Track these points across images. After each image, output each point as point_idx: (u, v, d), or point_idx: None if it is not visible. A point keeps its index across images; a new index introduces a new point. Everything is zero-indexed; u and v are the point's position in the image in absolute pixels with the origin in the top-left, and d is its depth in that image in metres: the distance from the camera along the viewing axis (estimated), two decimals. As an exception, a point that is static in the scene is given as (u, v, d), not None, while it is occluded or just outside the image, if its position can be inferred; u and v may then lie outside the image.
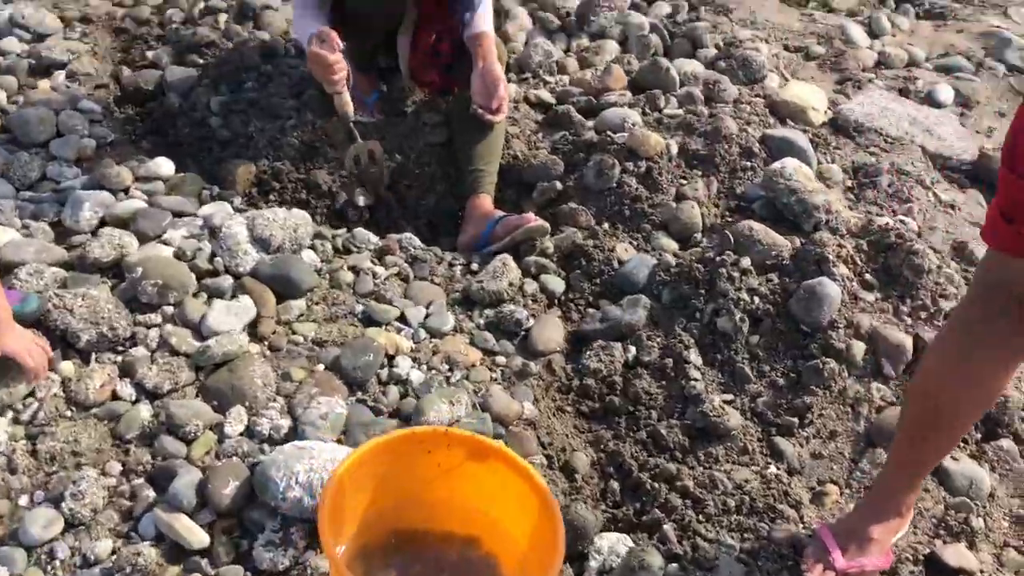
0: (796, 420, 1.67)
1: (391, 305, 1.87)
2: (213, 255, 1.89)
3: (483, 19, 2.27)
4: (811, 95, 2.51)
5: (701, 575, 1.39)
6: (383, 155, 2.20)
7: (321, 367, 1.71)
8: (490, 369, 1.78)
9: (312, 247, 1.99)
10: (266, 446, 1.53)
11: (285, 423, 1.57)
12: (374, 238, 2.07)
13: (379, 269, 1.97)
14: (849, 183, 2.26)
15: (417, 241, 2.07)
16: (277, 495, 1.38)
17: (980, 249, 2.03)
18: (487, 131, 2.23)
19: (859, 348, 1.72)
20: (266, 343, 1.75)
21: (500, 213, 2.09)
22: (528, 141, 2.40)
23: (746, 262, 1.84)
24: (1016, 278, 1.15)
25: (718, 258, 1.86)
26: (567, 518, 1.39)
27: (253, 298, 1.80)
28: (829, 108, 2.54)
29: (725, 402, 1.70)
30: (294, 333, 1.78)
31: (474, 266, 2.02)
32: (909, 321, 1.77)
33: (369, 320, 1.84)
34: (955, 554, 1.47)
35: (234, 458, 1.49)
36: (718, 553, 1.43)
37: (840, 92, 2.73)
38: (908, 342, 1.72)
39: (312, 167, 2.23)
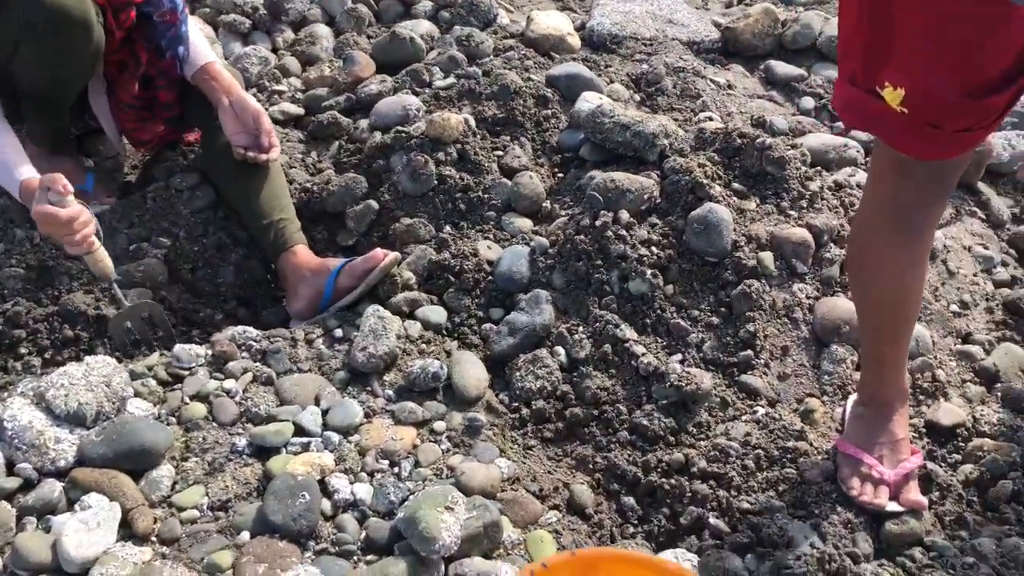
0: (750, 352, 1.65)
1: (277, 421, 1.53)
2: (10, 464, 1.41)
3: (200, 49, 1.89)
4: (560, 22, 2.45)
5: (781, 555, 1.32)
6: (162, 313, 1.76)
7: (246, 536, 1.35)
8: (435, 442, 1.53)
9: (137, 394, 1.56)
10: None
11: (258, 631, 1.22)
12: (198, 348, 1.67)
13: (230, 384, 1.59)
14: (637, 97, 2.25)
15: (253, 331, 1.71)
16: None
17: (780, 121, 2.14)
18: (264, 174, 1.89)
19: (768, 258, 1.73)
20: (155, 540, 1.34)
21: (336, 261, 1.79)
22: (305, 165, 2.08)
23: (625, 216, 1.76)
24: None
25: (598, 222, 1.75)
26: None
27: (104, 492, 1.37)
28: (577, 30, 2.50)
29: (679, 363, 1.63)
30: (182, 510, 1.39)
31: (337, 332, 1.71)
32: (796, 215, 1.81)
33: (261, 451, 1.49)
34: (947, 414, 1.55)
35: None
36: (773, 521, 1.37)
37: (567, 9, 2.71)
38: (807, 234, 1.75)
39: (58, 292, 1.75)
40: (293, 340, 1.70)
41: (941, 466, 1.49)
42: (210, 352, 1.66)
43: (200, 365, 1.64)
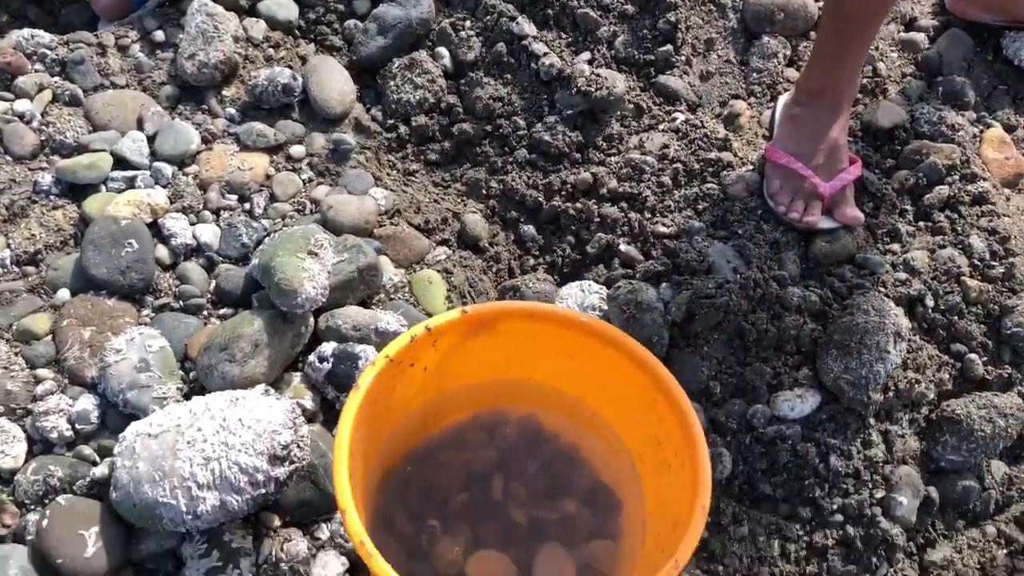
0: (669, 47, 1.40)
1: (90, 151, 1.24)
2: None
3: None
4: None
5: (700, 282, 1.18)
6: None
7: (65, 294, 1.12)
8: (294, 171, 1.28)
9: None
10: (86, 452, 1.01)
11: (90, 407, 1.03)
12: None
13: (23, 106, 1.27)
14: None
15: (46, 35, 1.34)
16: (180, 518, 0.92)
17: None
18: None
19: (694, -72, 1.43)
20: (-53, 308, 1.10)
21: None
22: None
23: None
24: None
25: None
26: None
27: None
28: None
29: (588, 63, 1.37)
30: (-23, 270, 1.14)
31: (158, 35, 1.37)
32: None
33: (74, 190, 1.22)
34: (886, 114, 1.38)
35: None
36: (692, 245, 1.22)
37: None
38: None
39: None
40: (101, 47, 1.35)
41: (875, 172, 1.34)
42: (-9, 65, 1.30)
43: (-21, 84, 1.29)
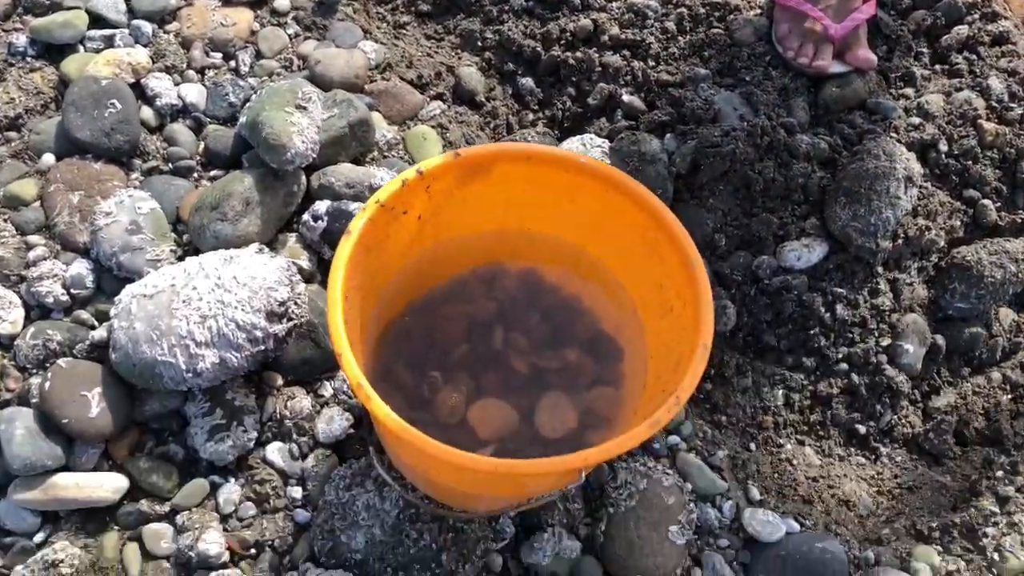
0: None
1: (64, 9, 1.18)
2: None
3: None
4: None
5: (705, 131, 1.13)
6: None
7: (50, 159, 1.09)
8: (279, 25, 1.22)
9: None
10: (87, 316, 1.00)
11: (84, 272, 1.02)
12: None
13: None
14: None
15: None
16: (180, 376, 0.92)
17: None
18: None
19: None
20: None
21: None
22: None
23: None
24: None
25: None
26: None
27: None
28: None
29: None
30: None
31: None
32: None
33: (50, 50, 1.17)
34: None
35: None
36: (697, 94, 1.17)
37: None
38: None
39: None
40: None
41: (890, 14, 1.28)
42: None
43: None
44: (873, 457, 1.10)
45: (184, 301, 0.93)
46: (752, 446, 1.07)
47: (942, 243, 1.14)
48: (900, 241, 1.11)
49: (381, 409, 0.68)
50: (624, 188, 0.81)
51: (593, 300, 0.94)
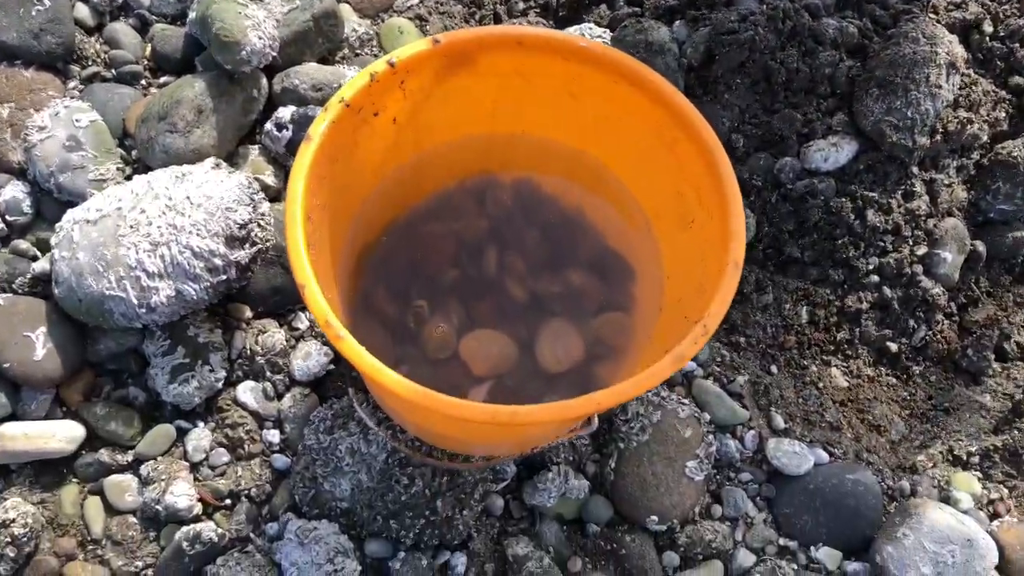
0: None
1: None
2: None
3: None
4: None
5: (720, 16, 1.00)
6: None
7: (-27, 68, 0.96)
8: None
9: None
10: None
11: (20, 195, 0.90)
12: None
13: None
14: None
15: None
16: (133, 312, 0.81)
17: None
18: None
19: None
20: None
21: None
22: None
23: None
24: None
25: None
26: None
27: None
28: None
29: None
30: None
31: None
32: None
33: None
34: None
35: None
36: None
37: None
38: None
39: None
40: None
41: None
42: None
43: None
44: (905, 377, 1.01)
45: (132, 226, 0.81)
46: (774, 368, 0.97)
47: (985, 138, 1.02)
48: (938, 137, 0.99)
49: (353, 350, 0.57)
50: (636, 78, 0.69)
51: (598, 212, 0.82)
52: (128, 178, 0.92)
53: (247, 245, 0.83)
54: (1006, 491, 0.92)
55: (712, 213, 0.66)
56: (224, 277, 0.83)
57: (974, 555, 0.84)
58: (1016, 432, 0.96)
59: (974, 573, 0.83)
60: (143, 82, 0.99)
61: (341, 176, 0.68)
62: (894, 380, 1.00)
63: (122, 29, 0.99)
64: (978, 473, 0.94)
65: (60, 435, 0.85)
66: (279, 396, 0.88)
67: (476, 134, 0.79)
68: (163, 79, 0.99)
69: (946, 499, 0.91)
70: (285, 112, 0.92)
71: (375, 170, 0.74)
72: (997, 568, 0.86)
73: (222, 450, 0.86)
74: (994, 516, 0.90)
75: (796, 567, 0.87)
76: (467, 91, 0.72)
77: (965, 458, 0.95)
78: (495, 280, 0.80)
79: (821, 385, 0.98)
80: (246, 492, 0.85)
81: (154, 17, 1.01)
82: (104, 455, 0.86)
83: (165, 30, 0.99)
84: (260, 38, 0.88)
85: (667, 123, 0.68)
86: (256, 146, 0.95)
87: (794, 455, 0.90)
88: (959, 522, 0.85)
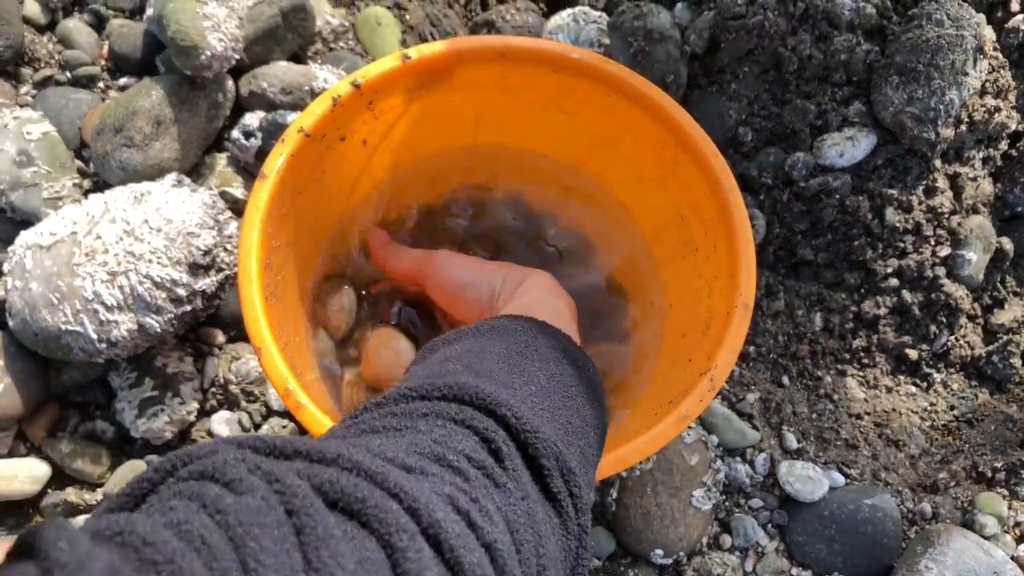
0: None
1: None
2: None
3: None
4: None
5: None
6: None
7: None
8: None
9: None
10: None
11: (-34, 216, 0.83)
12: None
13: None
14: None
15: None
16: (92, 348, 0.74)
17: None
18: None
19: None
20: None
21: None
22: None
23: None
24: None
25: None
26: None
27: None
28: None
29: None
30: None
31: None
32: None
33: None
34: None
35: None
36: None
37: None
38: None
39: None
40: None
41: None
42: None
43: None
44: (925, 385, 0.94)
45: (87, 254, 0.75)
46: (785, 380, 0.91)
47: (1014, 126, 0.94)
48: (963, 127, 0.91)
49: (313, 418, 0.50)
50: (632, 90, 0.61)
51: (595, 233, 0.75)
52: (87, 193, 0.85)
53: (212, 272, 0.77)
54: (1034, 511, 0.86)
55: (717, 243, 0.59)
56: (189, 308, 0.76)
57: (1001, 587, 0.78)
58: (1045, 446, 0.90)
59: (1001, 606, 0.78)
60: (101, 84, 0.91)
61: (310, 209, 0.61)
62: (913, 389, 0.94)
63: (76, 27, 0.91)
64: (1004, 491, 0.88)
65: (23, 476, 0.79)
66: (256, 427, 0.82)
67: (458, 146, 0.71)
68: (122, 80, 0.91)
69: (970, 523, 0.85)
70: (253, 119, 0.84)
71: (345, 196, 0.67)
72: (1025, 598, 0.80)
73: (197, 486, 0.81)
74: (1021, 539, 0.85)
75: (810, 599, 0.81)
76: (445, 108, 0.65)
77: (990, 474, 0.89)
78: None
79: (836, 397, 0.91)
80: (223, 531, 0.80)
81: (111, 12, 0.93)
82: (71, 494, 0.80)
83: (123, 27, 0.91)
84: (221, 40, 0.80)
85: (667, 141, 0.61)
86: (224, 154, 0.87)
87: (808, 480, 0.84)
88: (985, 552, 0.79)
